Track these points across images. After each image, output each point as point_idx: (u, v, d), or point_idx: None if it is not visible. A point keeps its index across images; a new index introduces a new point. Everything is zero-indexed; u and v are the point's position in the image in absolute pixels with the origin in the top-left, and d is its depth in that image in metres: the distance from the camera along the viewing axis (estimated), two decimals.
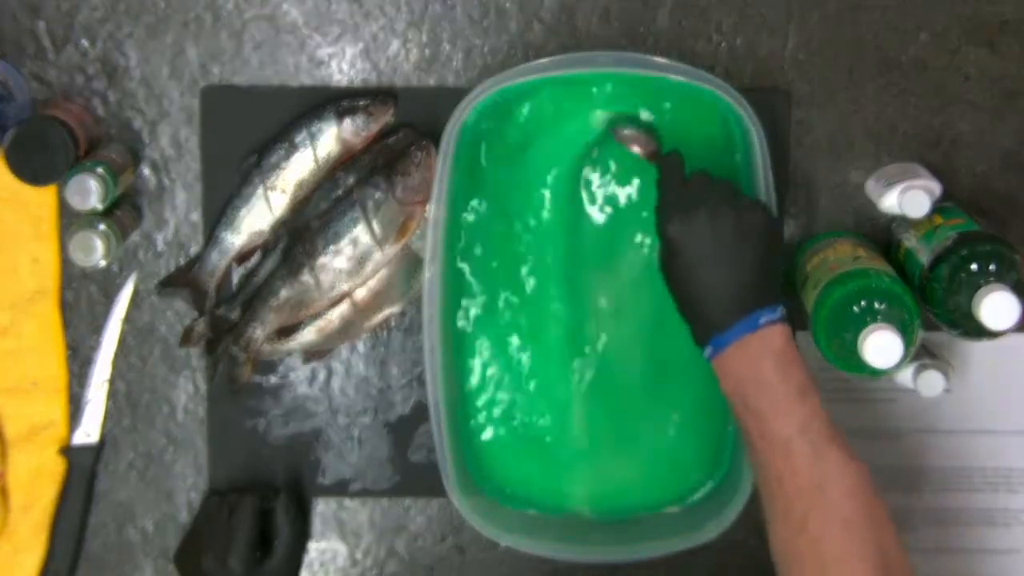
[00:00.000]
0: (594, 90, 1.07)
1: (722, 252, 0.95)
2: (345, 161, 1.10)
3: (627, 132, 1.06)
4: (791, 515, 0.90)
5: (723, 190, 0.98)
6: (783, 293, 0.97)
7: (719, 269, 0.95)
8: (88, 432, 1.13)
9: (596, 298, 1.10)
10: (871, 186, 1.11)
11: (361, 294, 1.11)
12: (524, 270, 1.10)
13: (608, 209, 1.09)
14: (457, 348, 1.11)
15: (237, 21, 1.11)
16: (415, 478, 1.14)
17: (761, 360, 0.92)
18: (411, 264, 1.11)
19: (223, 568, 1.06)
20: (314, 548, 1.16)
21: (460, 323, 1.11)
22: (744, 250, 0.95)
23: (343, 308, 1.11)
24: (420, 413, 1.13)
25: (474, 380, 1.12)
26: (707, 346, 0.95)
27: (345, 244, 1.08)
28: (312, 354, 1.12)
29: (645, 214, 1.08)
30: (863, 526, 0.88)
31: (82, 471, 1.13)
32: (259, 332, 1.09)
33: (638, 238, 1.09)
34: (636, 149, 1.05)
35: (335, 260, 1.08)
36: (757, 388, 0.92)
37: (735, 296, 0.94)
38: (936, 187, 1.07)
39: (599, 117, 1.08)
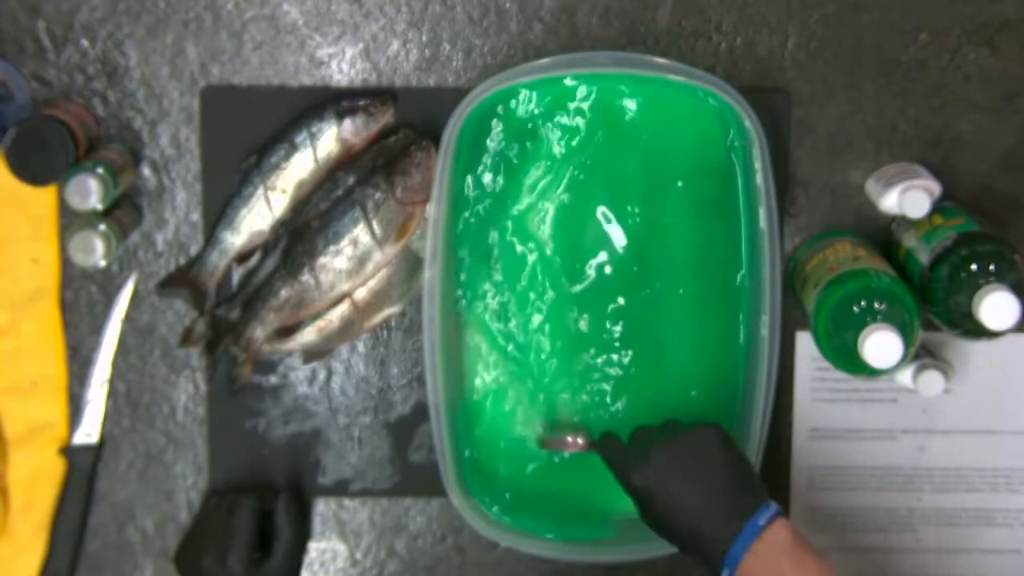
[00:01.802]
0: (592, 90, 1.07)
1: (691, 477, 0.96)
2: (345, 161, 1.10)
3: (557, 441, 1.09)
4: None
5: (665, 429, 1.00)
6: (768, 489, 0.98)
7: (696, 493, 0.96)
8: (88, 432, 1.13)
9: (598, 298, 1.10)
10: (871, 186, 1.11)
11: (361, 294, 1.11)
12: (526, 270, 1.10)
13: (614, 204, 1.09)
14: (457, 347, 1.11)
15: (237, 21, 1.11)
16: (415, 478, 1.14)
17: (778, 562, 0.93)
18: (411, 264, 1.11)
19: (222, 568, 1.06)
20: (314, 548, 1.16)
21: (460, 323, 1.11)
22: (711, 465, 0.97)
23: (343, 308, 1.11)
24: (420, 413, 1.13)
25: (474, 380, 1.11)
26: (723, 570, 0.94)
27: (345, 244, 1.08)
28: (312, 354, 1.12)
29: (658, 208, 1.08)
30: None
31: (82, 471, 1.13)
32: (259, 332, 1.09)
33: (648, 240, 1.09)
34: (573, 450, 1.08)
35: (335, 260, 1.08)
36: None
37: (725, 509, 0.95)
38: (936, 187, 1.07)
39: (535, 433, 1.11)
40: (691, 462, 0.97)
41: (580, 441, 1.08)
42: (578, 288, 1.10)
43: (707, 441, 0.98)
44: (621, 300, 1.10)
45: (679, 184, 1.09)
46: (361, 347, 1.14)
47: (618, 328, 1.10)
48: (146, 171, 1.12)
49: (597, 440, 1.05)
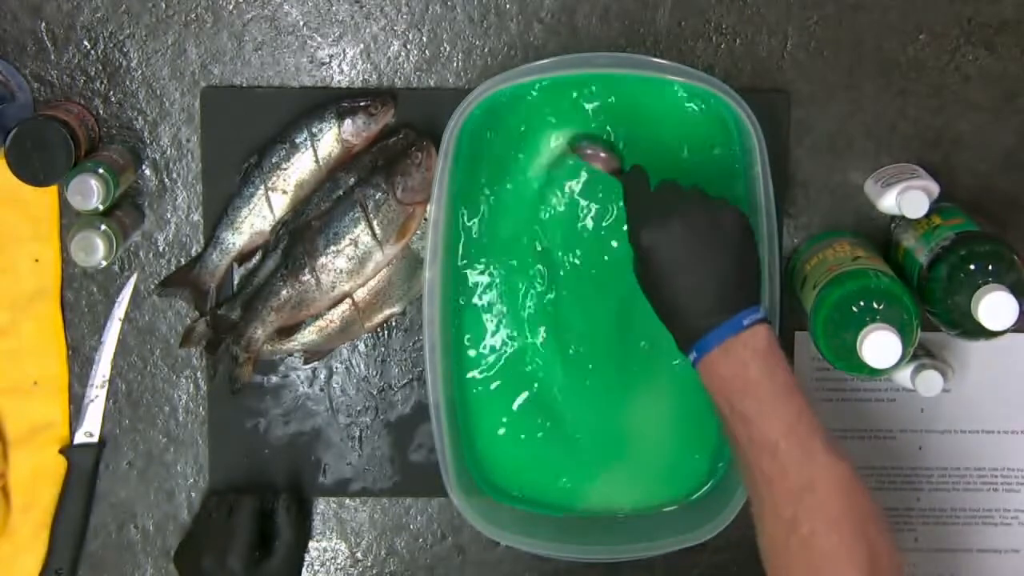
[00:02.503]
0: (592, 90, 1.07)
1: (698, 255, 0.94)
2: (346, 161, 1.10)
3: (589, 150, 1.06)
4: (780, 515, 0.90)
5: (693, 195, 0.97)
6: (760, 292, 0.97)
7: (697, 273, 0.94)
8: (89, 432, 1.14)
9: (599, 298, 1.10)
10: (870, 186, 1.11)
11: (361, 294, 1.11)
12: (525, 269, 1.10)
13: (609, 212, 1.09)
14: (457, 347, 1.11)
15: (238, 22, 1.11)
16: (415, 478, 1.15)
17: (746, 362, 0.92)
18: (411, 264, 1.11)
19: (222, 568, 1.06)
20: (314, 547, 1.16)
21: (461, 324, 1.11)
22: (721, 252, 0.95)
23: (343, 308, 1.11)
24: (420, 413, 1.13)
25: (474, 380, 1.12)
26: (691, 352, 0.94)
27: (346, 244, 1.08)
28: (312, 354, 1.13)
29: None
30: (853, 524, 0.88)
31: (83, 471, 1.13)
32: (260, 332, 1.10)
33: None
34: (598, 165, 1.06)
35: (336, 260, 1.08)
36: (743, 390, 0.92)
37: (715, 298, 0.94)
38: (935, 187, 1.07)
39: (558, 138, 1.08)
40: (703, 240, 0.94)
41: (605, 156, 1.05)
42: (576, 287, 1.10)
43: (730, 225, 0.95)
44: (619, 299, 1.10)
45: (678, 184, 1.08)
46: (361, 347, 1.14)
47: (616, 325, 1.10)
48: (147, 171, 1.12)
49: (625, 170, 1.02)
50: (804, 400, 0.92)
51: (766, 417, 0.91)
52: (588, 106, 1.08)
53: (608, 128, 1.08)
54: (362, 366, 1.14)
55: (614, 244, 1.10)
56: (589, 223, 1.10)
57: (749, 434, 0.91)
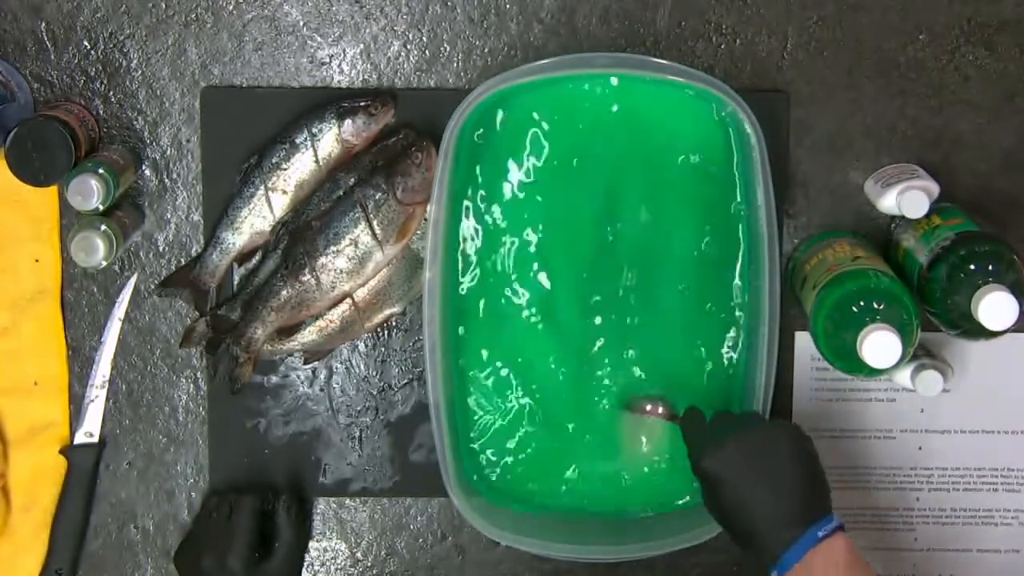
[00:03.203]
0: (593, 91, 1.08)
1: (758, 472, 0.95)
2: (346, 161, 1.10)
3: (648, 406, 1.10)
4: None
5: (747, 419, 1.00)
6: (830, 502, 0.97)
7: (761, 491, 0.95)
8: (89, 432, 1.14)
9: (597, 297, 1.10)
10: (870, 186, 1.11)
11: (362, 294, 1.11)
12: (527, 269, 1.10)
13: (616, 210, 1.10)
14: (457, 347, 1.11)
15: (238, 22, 1.11)
16: (415, 478, 1.15)
17: (831, 575, 0.92)
18: (411, 264, 1.11)
19: (222, 568, 1.06)
20: (315, 547, 1.16)
21: (461, 325, 1.11)
22: (781, 467, 0.96)
23: (344, 308, 1.11)
24: (420, 413, 1.13)
25: (474, 380, 1.12)
26: (773, 571, 0.94)
27: (346, 244, 1.08)
28: (313, 354, 1.13)
29: (657, 209, 1.09)
30: None
31: (83, 471, 1.13)
32: (260, 332, 1.10)
33: (646, 241, 1.10)
34: (656, 417, 1.09)
35: (336, 260, 1.08)
36: None
37: (784, 514, 0.94)
38: (934, 187, 1.07)
39: (619, 409, 1.11)
40: (763, 458, 0.96)
41: (661, 410, 1.09)
42: (577, 287, 1.10)
43: (783, 440, 0.97)
44: (621, 299, 1.10)
45: (678, 184, 1.09)
46: (362, 347, 1.14)
47: (618, 327, 1.10)
48: (147, 171, 1.12)
49: (681, 413, 1.05)
50: None
51: None
52: (585, 106, 1.08)
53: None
54: (362, 366, 1.14)
55: (614, 243, 1.10)
56: (588, 222, 1.10)
57: None
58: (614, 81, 1.07)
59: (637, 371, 1.11)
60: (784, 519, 0.94)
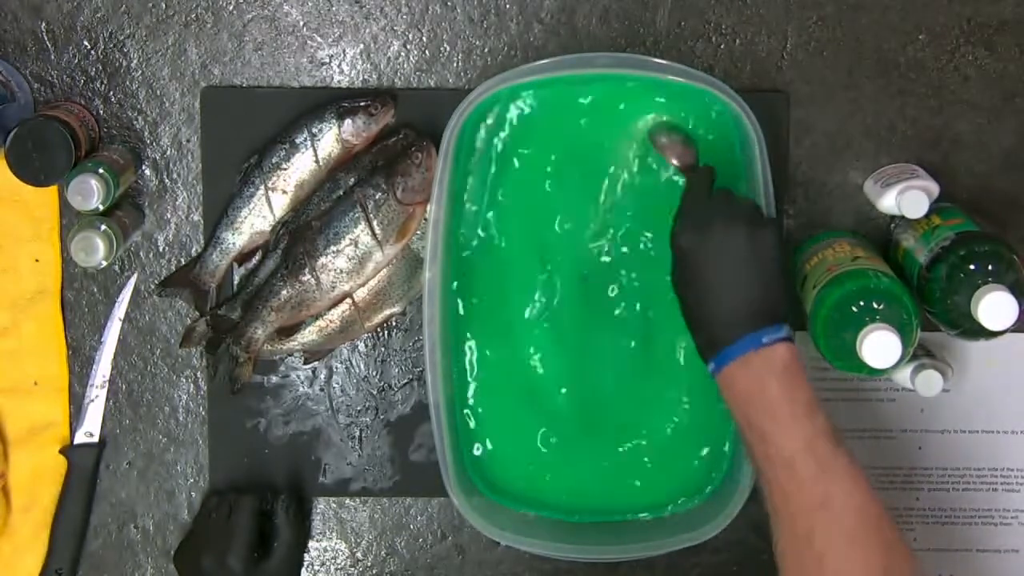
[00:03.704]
0: (593, 91, 1.08)
1: (731, 268, 0.95)
2: (346, 161, 1.10)
3: (665, 141, 1.06)
4: (796, 530, 0.90)
5: (743, 208, 0.98)
6: (788, 308, 0.97)
7: (727, 284, 0.95)
8: (89, 432, 1.14)
9: (597, 296, 1.10)
10: (870, 186, 1.11)
11: (361, 294, 1.11)
12: (527, 269, 1.10)
13: (614, 203, 1.10)
14: (457, 347, 1.11)
15: (238, 22, 1.11)
16: (415, 477, 1.15)
17: (765, 378, 0.92)
18: (411, 264, 1.11)
19: (222, 568, 1.06)
20: (315, 547, 1.16)
21: (461, 325, 1.11)
22: (754, 268, 0.95)
23: (344, 308, 1.11)
24: (420, 413, 1.13)
25: (474, 380, 1.12)
26: (711, 361, 0.95)
27: (346, 244, 1.08)
28: (313, 354, 1.13)
29: (657, 209, 1.09)
30: (867, 541, 0.88)
31: (83, 471, 1.13)
32: (260, 332, 1.10)
33: (644, 241, 1.10)
34: (673, 160, 1.05)
35: (336, 260, 1.08)
36: (761, 406, 0.92)
37: (741, 313, 0.94)
38: (934, 187, 1.07)
39: (644, 122, 1.07)
40: (740, 255, 0.95)
41: (680, 149, 1.05)
42: (578, 286, 1.10)
43: (767, 244, 0.96)
44: (620, 298, 1.10)
45: (678, 184, 1.09)
46: (361, 347, 1.14)
47: (617, 326, 1.10)
48: (147, 171, 1.12)
49: (696, 168, 1.03)
50: (824, 418, 0.92)
51: (783, 434, 0.91)
52: (585, 106, 1.08)
53: (681, 116, 1.07)
54: (362, 366, 1.14)
55: (614, 243, 1.10)
56: (588, 221, 1.10)
57: (766, 450, 0.92)
58: (614, 81, 1.07)
59: (633, 369, 1.11)
60: (739, 318, 0.94)
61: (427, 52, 1.11)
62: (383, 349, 1.14)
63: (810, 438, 0.91)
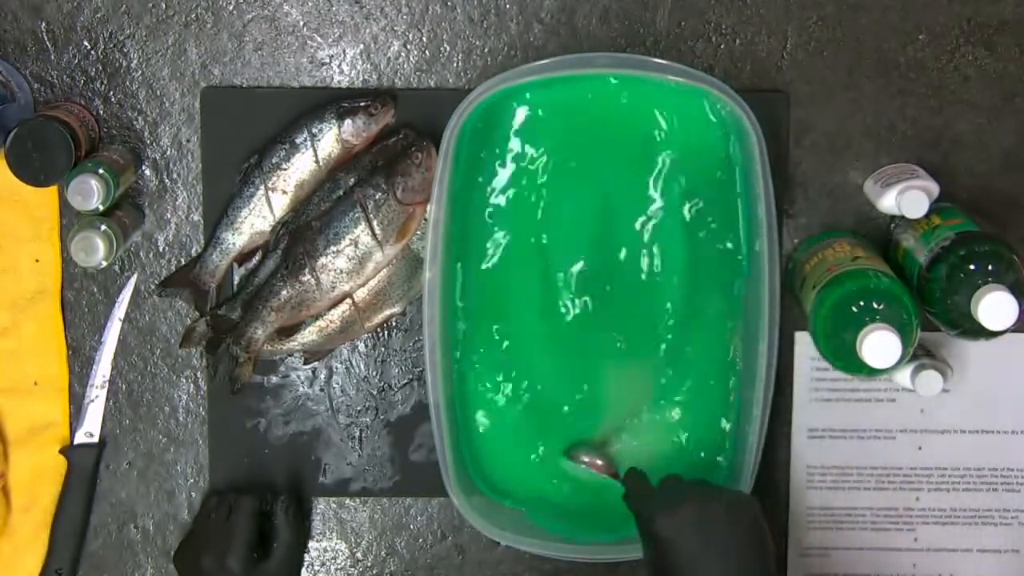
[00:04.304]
0: (593, 91, 1.08)
1: (717, 546, 0.93)
2: (346, 162, 1.10)
3: (585, 458, 1.10)
4: None
5: (701, 486, 0.98)
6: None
7: (715, 561, 0.93)
8: (89, 432, 1.14)
9: (596, 296, 1.10)
10: (870, 186, 1.11)
11: (361, 294, 1.11)
12: (527, 269, 1.10)
13: (615, 210, 1.10)
14: (457, 347, 1.11)
15: (238, 22, 1.11)
16: (415, 478, 1.15)
17: None
18: (411, 264, 1.11)
19: (221, 568, 1.06)
20: (315, 547, 1.16)
21: (461, 325, 1.11)
22: (739, 542, 0.94)
23: (344, 308, 1.11)
24: (420, 413, 1.13)
25: (474, 380, 1.12)
26: None
27: (346, 244, 1.08)
28: (313, 354, 1.13)
29: (656, 209, 1.09)
30: None
31: (83, 471, 1.13)
32: (260, 332, 1.10)
33: (645, 240, 1.10)
34: (595, 470, 1.09)
35: (336, 260, 1.08)
36: None
37: None
38: (934, 187, 1.07)
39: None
40: (723, 531, 0.94)
41: (601, 464, 1.09)
42: (578, 287, 1.10)
43: (746, 514, 0.95)
44: (620, 299, 1.10)
45: (678, 184, 1.09)
46: (362, 347, 1.14)
47: (617, 326, 1.10)
48: (147, 171, 1.12)
49: (624, 473, 1.05)
50: None
51: None
52: (585, 106, 1.08)
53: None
54: (362, 366, 1.14)
55: (614, 243, 1.10)
56: (587, 221, 1.10)
57: None
58: (613, 81, 1.07)
59: (634, 368, 1.11)
60: None
61: (427, 52, 1.11)
62: (383, 349, 1.14)
63: None
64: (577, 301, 1.10)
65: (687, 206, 1.09)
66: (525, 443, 1.12)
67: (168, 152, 1.12)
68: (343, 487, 1.15)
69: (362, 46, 1.11)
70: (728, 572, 0.93)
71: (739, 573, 0.93)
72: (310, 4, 1.11)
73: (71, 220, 1.11)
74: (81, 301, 1.13)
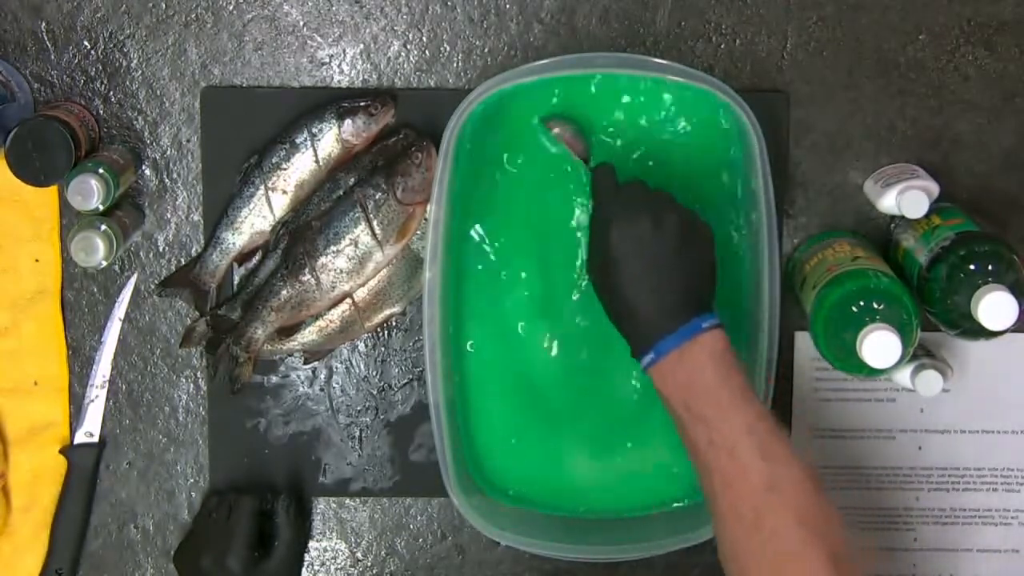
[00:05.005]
0: (592, 91, 1.08)
1: (666, 258, 0.95)
2: (346, 161, 1.10)
3: (557, 128, 1.07)
4: (743, 515, 0.90)
5: (664, 197, 0.98)
6: (714, 300, 0.97)
7: (661, 275, 0.94)
8: (89, 432, 1.14)
9: (595, 296, 1.10)
10: (870, 186, 1.11)
11: (361, 294, 1.11)
12: (527, 269, 1.11)
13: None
14: (457, 347, 1.11)
15: (238, 22, 1.11)
16: (415, 478, 1.15)
17: (703, 366, 0.92)
18: (411, 264, 1.11)
19: (221, 568, 1.06)
20: (315, 547, 1.16)
21: (461, 325, 1.11)
22: (689, 256, 0.95)
23: (344, 308, 1.11)
24: (420, 413, 1.13)
25: (474, 380, 1.12)
26: (646, 355, 0.94)
27: (346, 244, 1.08)
28: (313, 354, 1.13)
29: None
30: (816, 523, 0.88)
31: (83, 471, 1.13)
32: (260, 332, 1.10)
33: None
34: (566, 144, 1.06)
35: (336, 260, 1.08)
36: (701, 393, 0.92)
37: (676, 303, 0.94)
38: (934, 187, 1.07)
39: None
40: (675, 245, 0.95)
41: (573, 138, 1.06)
42: (577, 287, 1.10)
43: (700, 231, 0.96)
44: None
45: (678, 184, 1.09)
46: (362, 347, 1.14)
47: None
48: (147, 171, 1.12)
49: (594, 164, 1.03)
50: (761, 404, 0.93)
51: (725, 419, 0.91)
52: (584, 106, 1.08)
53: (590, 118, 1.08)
54: (362, 366, 1.14)
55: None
56: (585, 220, 1.10)
57: (709, 436, 0.91)
58: (613, 81, 1.07)
59: (632, 369, 1.11)
60: (673, 309, 0.93)
61: (427, 52, 1.11)
62: (383, 349, 1.14)
63: (751, 422, 0.91)
64: (577, 300, 1.10)
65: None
66: (525, 443, 1.12)
67: (168, 152, 1.12)
68: (343, 487, 1.15)
69: (362, 46, 1.11)
70: (664, 288, 0.94)
71: (675, 291, 0.94)
72: (310, 4, 1.11)
73: (71, 220, 1.11)
74: (81, 301, 1.13)
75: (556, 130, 1.07)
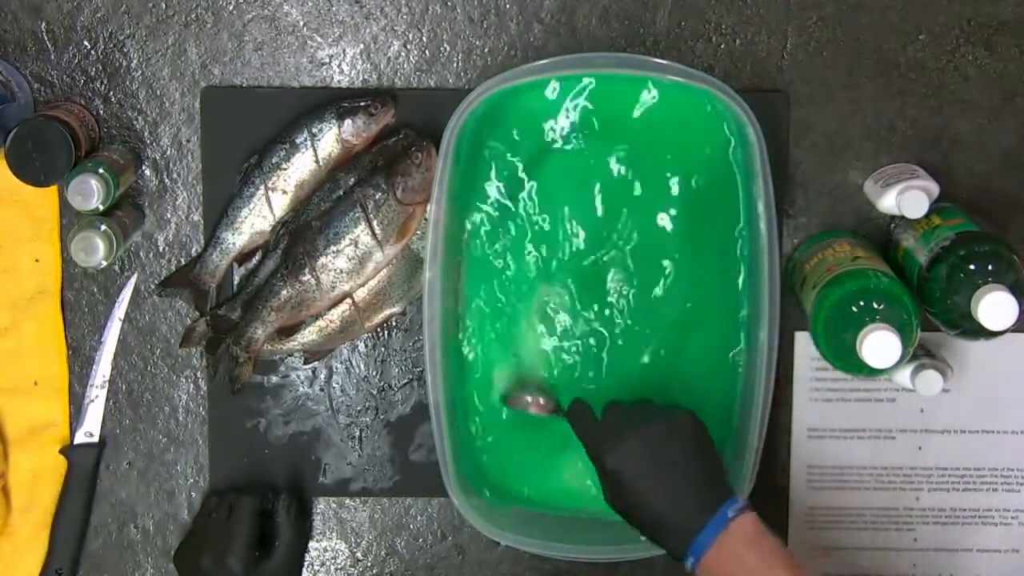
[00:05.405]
0: (593, 89, 1.08)
1: (666, 463, 0.97)
2: (346, 161, 1.10)
3: (524, 399, 1.09)
4: None
5: (642, 409, 1.00)
6: (732, 482, 0.99)
7: (670, 481, 0.96)
8: (89, 432, 1.14)
9: (594, 296, 1.10)
10: (870, 186, 1.11)
11: (361, 294, 1.11)
12: (527, 268, 1.11)
13: (613, 204, 1.10)
14: (457, 347, 1.11)
15: (238, 22, 1.11)
16: (415, 478, 1.15)
17: (741, 557, 0.93)
18: (411, 264, 1.11)
19: (222, 568, 1.06)
20: (315, 547, 1.16)
21: (461, 325, 1.11)
22: (686, 454, 0.97)
23: (344, 308, 1.11)
24: (420, 413, 1.13)
25: (474, 379, 1.12)
26: (687, 558, 0.95)
27: (346, 244, 1.08)
28: (313, 354, 1.13)
29: (656, 208, 1.09)
30: None
31: (83, 471, 1.13)
32: (260, 332, 1.10)
33: (643, 239, 1.10)
34: (535, 411, 1.08)
35: (336, 260, 1.08)
36: None
37: (694, 500, 0.95)
38: (934, 187, 1.07)
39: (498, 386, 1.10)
40: (665, 449, 0.97)
41: (543, 402, 1.08)
42: (574, 285, 1.10)
43: (682, 428, 0.98)
44: (619, 299, 1.10)
45: (678, 184, 1.09)
46: (361, 347, 1.14)
47: (616, 326, 1.10)
48: (147, 171, 1.12)
49: (566, 407, 1.05)
50: (805, 571, 0.94)
51: None
52: (584, 106, 1.08)
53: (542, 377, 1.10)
54: (362, 366, 1.14)
55: (614, 243, 1.10)
56: (588, 222, 1.10)
57: None
58: (615, 80, 1.07)
59: (633, 369, 1.11)
60: (692, 506, 0.95)
61: (427, 52, 1.11)
62: (383, 349, 1.14)
63: None
64: (577, 300, 1.10)
65: (687, 206, 1.09)
66: (525, 443, 1.12)
67: (168, 152, 1.12)
68: (343, 487, 1.15)
69: (362, 46, 1.11)
70: (679, 491, 0.96)
71: (690, 489, 0.96)
72: (310, 4, 1.11)
73: (71, 220, 1.11)
74: (81, 301, 1.13)
75: (521, 405, 1.09)
